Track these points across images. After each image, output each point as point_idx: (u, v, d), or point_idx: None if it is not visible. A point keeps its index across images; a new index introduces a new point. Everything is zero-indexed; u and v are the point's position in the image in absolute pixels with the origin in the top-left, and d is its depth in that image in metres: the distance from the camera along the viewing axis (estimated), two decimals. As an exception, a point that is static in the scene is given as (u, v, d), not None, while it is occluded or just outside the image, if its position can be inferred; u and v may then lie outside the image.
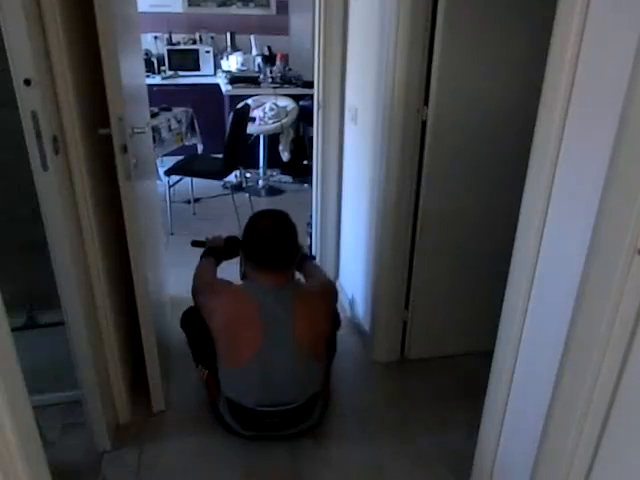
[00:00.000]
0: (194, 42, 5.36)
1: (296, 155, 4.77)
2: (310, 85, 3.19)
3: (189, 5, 5.15)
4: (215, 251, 2.18)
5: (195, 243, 2.29)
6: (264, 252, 1.84)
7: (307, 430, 1.95)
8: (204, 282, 1.99)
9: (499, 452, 1.54)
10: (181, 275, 2.96)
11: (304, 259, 2.21)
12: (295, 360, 1.81)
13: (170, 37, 5.30)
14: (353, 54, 2.50)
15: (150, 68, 5.01)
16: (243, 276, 1.99)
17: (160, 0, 4.95)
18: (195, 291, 1.99)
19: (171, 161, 4.13)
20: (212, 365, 1.93)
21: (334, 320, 2.13)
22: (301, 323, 1.80)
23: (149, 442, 1.93)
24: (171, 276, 2.91)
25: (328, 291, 2.05)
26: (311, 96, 3.02)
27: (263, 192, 4.68)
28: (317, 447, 1.95)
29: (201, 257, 2.18)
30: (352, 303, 2.75)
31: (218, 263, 2.15)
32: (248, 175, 4.73)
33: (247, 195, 4.28)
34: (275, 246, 1.83)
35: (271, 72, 4.97)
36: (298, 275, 2.12)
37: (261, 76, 4.95)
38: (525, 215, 1.31)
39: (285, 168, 4.95)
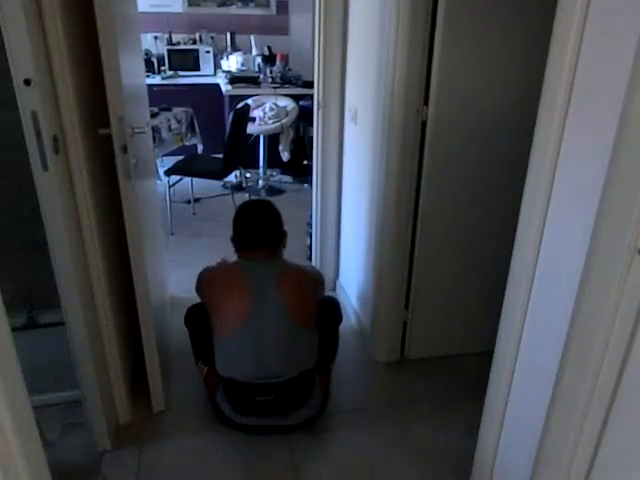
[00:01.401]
0: (194, 42, 5.36)
1: (296, 155, 4.76)
2: (310, 85, 3.19)
3: (189, 5, 5.15)
4: None
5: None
6: (248, 233, 1.99)
7: (305, 424, 1.96)
8: (204, 270, 2.15)
9: (499, 452, 1.54)
10: (181, 275, 2.97)
11: None
12: (284, 325, 1.87)
13: (170, 37, 5.30)
14: (353, 54, 2.50)
15: (150, 68, 5.01)
16: None
17: (160, 0, 4.95)
18: (198, 279, 2.12)
19: (171, 161, 4.13)
20: (212, 361, 1.95)
21: (335, 314, 2.18)
22: (288, 290, 1.90)
23: (149, 442, 1.93)
24: (171, 276, 2.91)
25: (315, 274, 2.17)
26: (311, 96, 3.02)
27: (263, 192, 4.68)
28: (317, 446, 1.95)
29: None
30: (352, 303, 2.75)
31: None
32: (248, 175, 4.72)
33: (247, 195, 4.28)
34: (257, 226, 1.99)
35: (271, 72, 4.97)
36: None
37: (261, 76, 4.95)
38: (525, 215, 1.31)
39: (285, 168, 4.95)
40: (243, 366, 1.87)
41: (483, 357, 1.73)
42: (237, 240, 2.01)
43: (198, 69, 5.17)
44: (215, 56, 5.23)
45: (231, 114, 3.75)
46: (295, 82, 4.91)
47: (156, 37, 5.27)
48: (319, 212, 2.92)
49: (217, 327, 1.93)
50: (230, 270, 2.02)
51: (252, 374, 1.87)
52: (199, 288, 2.10)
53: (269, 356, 1.86)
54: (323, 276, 2.24)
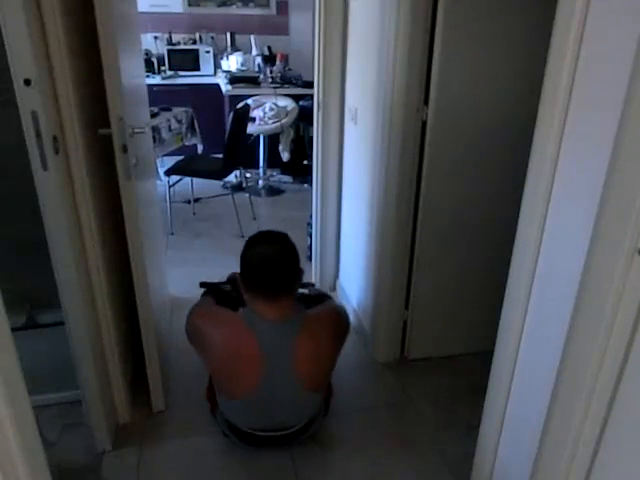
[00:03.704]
0: (194, 42, 5.36)
1: (296, 155, 4.77)
2: (310, 85, 3.19)
3: (189, 5, 5.15)
4: (216, 291, 2.05)
5: (203, 284, 2.13)
6: (262, 281, 1.69)
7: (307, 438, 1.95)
8: (206, 308, 1.88)
9: (499, 452, 1.54)
10: (181, 275, 2.98)
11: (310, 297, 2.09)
12: (296, 395, 1.74)
13: (170, 37, 5.30)
14: (353, 54, 2.50)
15: (150, 68, 5.01)
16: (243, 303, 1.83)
17: (160, 0, 4.96)
18: (193, 314, 1.85)
19: (171, 161, 4.13)
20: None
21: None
22: (304, 359, 1.69)
23: (149, 442, 1.93)
24: (171, 276, 2.91)
25: (339, 318, 1.89)
26: (311, 96, 3.02)
27: (263, 192, 4.69)
28: (317, 447, 1.94)
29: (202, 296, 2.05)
30: (352, 303, 2.75)
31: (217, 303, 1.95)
32: (248, 175, 4.73)
33: (247, 195, 4.28)
34: (273, 274, 1.68)
35: (271, 72, 4.97)
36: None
37: (261, 76, 4.95)
38: (525, 215, 1.31)
39: (285, 168, 4.95)
40: (248, 423, 1.79)
41: (483, 357, 1.73)
42: (247, 281, 1.72)
43: (198, 69, 5.17)
44: (215, 56, 5.23)
45: (231, 114, 3.74)
46: (295, 82, 4.91)
47: (156, 37, 5.27)
48: (319, 212, 2.92)
49: (220, 387, 1.80)
50: (238, 329, 1.70)
51: (255, 428, 1.79)
52: (192, 337, 1.81)
53: (277, 417, 1.77)
54: (348, 321, 1.94)
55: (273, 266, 1.68)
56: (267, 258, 1.69)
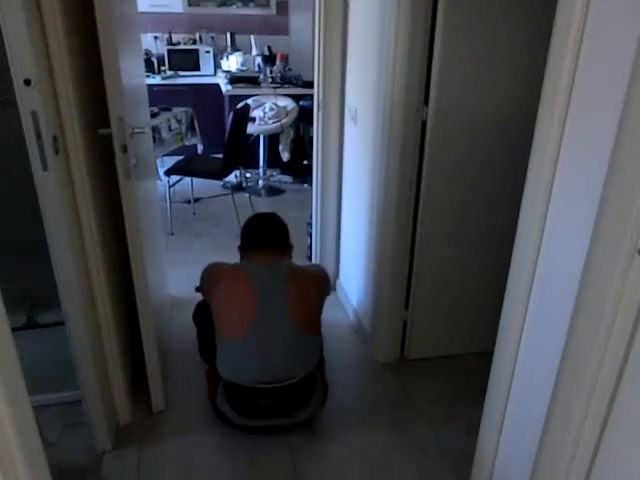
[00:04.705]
0: (194, 42, 5.37)
1: (296, 155, 4.77)
2: (310, 85, 3.19)
3: (189, 5, 5.15)
4: None
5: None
6: (255, 235, 2.04)
7: (305, 422, 1.96)
8: (209, 267, 2.13)
9: (499, 452, 1.54)
10: (181, 275, 2.97)
11: None
12: (289, 331, 1.86)
13: (170, 37, 5.30)
14: (353, 54, 2.50)
15: (150, 68, 5.01)
16: None
17: (160, 0, 4.96)
18: (201, 277, 2.10)
19: (171, 161, 4.13)
20: (213, 359, 1.95)
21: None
22: (294, 296, 1.89)
23: (149, 442, 1.93)
24: (171, 276, 2.91)
25: (321, 275, 2.16)
26: (311, 96, 3.02)
27: (263, 192, 4.68)
28: (317, 446, 1.95)
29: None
30: (352, 303, 2.75)
31: None
32: (248, 175, 4.73)
33: (247, 195, 4.29)
34: (264, 229, 2.05)
35: (271, 72, 4.97)
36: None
37: (261, 76, 4.95)
38: (525, 215, 1.31)
39: (285, 168, 4.95)
40: (247, 371, 1.85)
41: (483, 357, 1.73)
42: (245, 243, 2.05)
43: (198, 69, 5.17)
44: (215, 56, 5.23)
45: (231, 114, 3.75)
46: (295, 82, 4.91)
47: (156, 37, 5.27)
48: (319, 212, 2.92)
49: (220, 329, 1.92)
50: (234, 274, 1.97)
51: (256, 378, 1.84)
52: (203, 282, 2.07)
53: (273, 361, 1.84)
54: (327, 274, 2.25)
55: (263, 226, 2.07)
56: (259, 222, 2.10)
